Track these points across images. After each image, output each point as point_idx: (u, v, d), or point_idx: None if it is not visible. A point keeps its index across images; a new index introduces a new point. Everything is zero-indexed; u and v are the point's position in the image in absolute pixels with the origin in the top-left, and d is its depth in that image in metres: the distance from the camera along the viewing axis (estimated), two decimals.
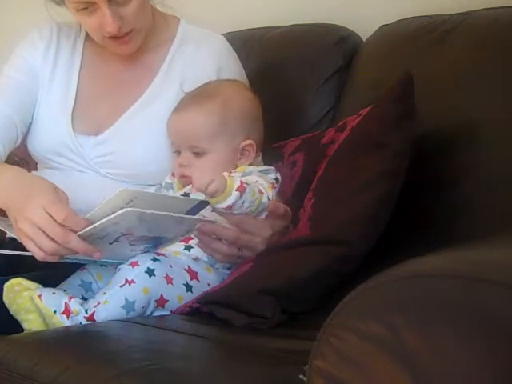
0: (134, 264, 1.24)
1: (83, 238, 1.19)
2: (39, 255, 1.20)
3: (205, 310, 1.24)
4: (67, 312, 1.20)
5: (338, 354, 0.68)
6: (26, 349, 1.10)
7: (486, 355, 0.60)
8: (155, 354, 1.04)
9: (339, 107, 1.66)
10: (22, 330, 1.24)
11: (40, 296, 1.21)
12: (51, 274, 1.33)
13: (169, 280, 1.25)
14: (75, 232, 1.18)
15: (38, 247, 1.19)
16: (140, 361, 0.99)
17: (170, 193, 1.41)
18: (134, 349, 1.06)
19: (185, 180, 1.38)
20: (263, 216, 1.31)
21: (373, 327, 0.66)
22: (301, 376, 0.80)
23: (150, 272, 1.23)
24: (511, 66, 1.31)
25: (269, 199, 1.29)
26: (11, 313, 1.24)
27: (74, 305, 1.21)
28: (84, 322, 1.20)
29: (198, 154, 1.36)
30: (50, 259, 1.21)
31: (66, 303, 1.20)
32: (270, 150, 1.56)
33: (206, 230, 1.27)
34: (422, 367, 0.62)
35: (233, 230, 1.28)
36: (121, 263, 1.26)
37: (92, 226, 1.16)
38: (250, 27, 1.89)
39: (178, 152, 1.39)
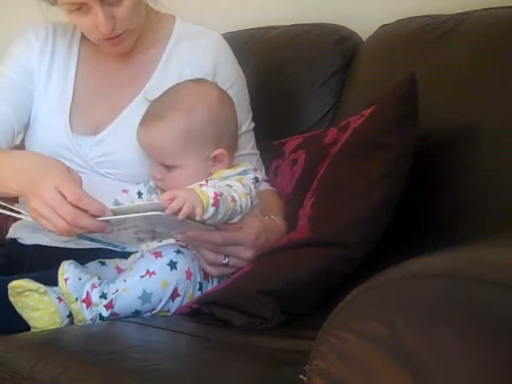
0: (157, 255, 1.25)
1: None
2: (55, 232, 1.21)
3: (205, 311, 1.24)
4: (87, 301, 1.21)
5: (338, 354, 0.68)
6: (26, 349, 1.10)
7: (486, 355, 0.60)
8: (155, 353, 1.04)
9: (339, 107, 1.66)
10: (23, 329, 1.24)
11: (66, 280, 1.21)
12: (52, 274, 1.33)
13: (189, 275, 1.26)
14: (88, 213, 1.19)
15: (52, 225, 1.20)
16: (140, 361, 0.99)
17: (154, 197, 1.39)
18: (133, 349, 1.06)
19: (160, 191, 1.37)
20: (237, 219, 1.29)
21: (373, 327, 0.66)
22: (301, 376, 0.80)
23: (172, 265, 1.24)
24: (511, 66, 1.31)
25: (241, 208, 1.27)
26: (17, 311, 1.25)
27: (95, 296, 1.21)
28: (104, 312, 1.21)
29: (168, 168, 1.33)
30: (66, 236, 1.22)
31: (87, 292, 1.21)
32: (270, 148, 1.57)
33: (191, 236, 1.26)
34: (422, 367, 0.62)
35: (219, 232, 1.28)
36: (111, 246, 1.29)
37: (121, 217, 1.18)
38: (250, 27, 1.89)
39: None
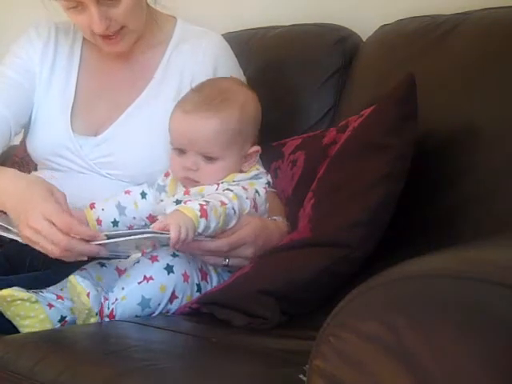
0: (153, 259, 1.25)
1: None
2: (50, 255, 1.22)
3: (205, 311, 1.24)
4: (101, 314, 1.21)
5: (338, 354, 0.68)
6: (26, 349, 1.10)
7: (486, 355, 0.60)
8: (155, 354, 1.04)
9: (339, 107, 1.66)
10: None
11: (88, 294, 1.20)
12: (52, 273, 1.33)
13: (186, 278, 1.26)
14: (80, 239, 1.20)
15: (46, 251, 1.21)
16: (140, 361, 0.99)
17: (163, 195, 1.39)
18: (133, 349, 1.06)
19: (189, 182, 1.34)
20: (233, 223, 1.29)
21: (373, 327, 0.66)
22: (301, 376, 0.80)
23: (169, 269, 1.24)
24: (511, 66, 1.31)
25: (235, 210, 1.26)
26: (7, 318, 1.24)
27: (106, 308, 1.22)
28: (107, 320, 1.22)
29: (208, 159, 1.31)
30: (63, 259, 1.22)
31: (101, 304, 1.22)
32: (270, 149, 1.56)
33: (194, 246, 1.25)
34: (422, 367, 0.62)
35: (223, 240, 1.28)
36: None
37: (117, 240, 1.20)
38: (250, 27, 1.89)
39: (180, 151, 1.33)
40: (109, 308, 1.22)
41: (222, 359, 1.02)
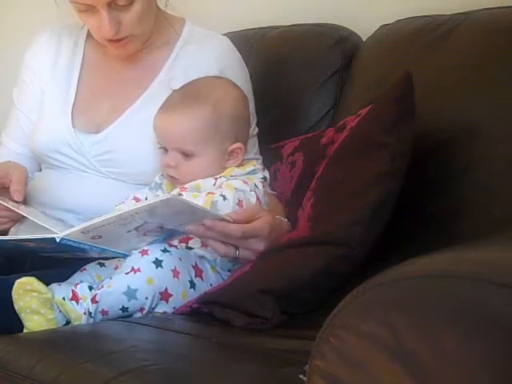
0: (143, 253, 1.26)
1: (112, 222, 1.19)
2: None
3: (205, 311, 1.24)
4: (76, 298, 1.22)
5: (338, 354, 0.68)
6: (26, 349, 1.10)
7: (486, 355, 0.60)
8: (155, 354, 1.04)
9: (339, 107, 1.67)
10: (23, 329, 1.24)
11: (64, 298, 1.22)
12: (52, 273, 1.33)
13: (175, 274, 1.26)
14: None
15: None
16: (140, 361, 0.99)
17: (160, 192, 1.40)
18: (133, 349, 1.06)
19: (173, 180, 1.37)
20: (228, 210, 1.30)
21: (373, 327, 0.66)
22: (301, 376, 0.81)
23: (158, 263, 1.24)
24: (511, 66, 1.31)
25: (223, 195, 1.29)
26: (16, 308, 1.24)
27: (81, 290, 1.22)
28: (90, 306, 1.21)
29: (186, 156, 1.35)
30: None
31: (72, 290, 1.22)
32: (268, 151, 1.57)
33: (208, 224, 1.24)
34: (421, 367, 0.62)
35: (238, 225, 1.27)
36: (120, 255, 1.28)
37: (135, 208, 1.17)
38: (250, 27, 1.90)
39: (165, 149, 1.37)
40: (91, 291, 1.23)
41: (222, 359, 1.02)
